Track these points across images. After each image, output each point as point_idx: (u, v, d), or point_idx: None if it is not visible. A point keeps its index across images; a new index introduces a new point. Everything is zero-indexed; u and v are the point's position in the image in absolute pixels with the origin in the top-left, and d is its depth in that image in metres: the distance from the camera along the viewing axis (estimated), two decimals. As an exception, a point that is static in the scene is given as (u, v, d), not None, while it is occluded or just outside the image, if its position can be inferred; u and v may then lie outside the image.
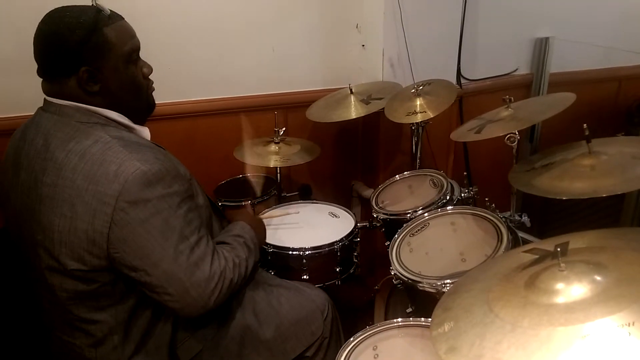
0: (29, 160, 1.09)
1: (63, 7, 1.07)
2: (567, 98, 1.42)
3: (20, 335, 1.31)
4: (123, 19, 1.12)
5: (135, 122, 1.17)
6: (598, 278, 0.75)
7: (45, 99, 1.12)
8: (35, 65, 1.09)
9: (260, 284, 1.39)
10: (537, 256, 0.87)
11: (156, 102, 1.26)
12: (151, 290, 1.05)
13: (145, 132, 1.20)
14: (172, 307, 1.06)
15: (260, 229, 1.43)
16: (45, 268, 1.07)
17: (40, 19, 1.07)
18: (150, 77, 1.21)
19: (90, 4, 1.08)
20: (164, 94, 1.88)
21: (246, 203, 1.50)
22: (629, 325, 0.65)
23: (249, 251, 1.24)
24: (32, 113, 1.16)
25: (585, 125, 1.20)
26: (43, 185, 1.05)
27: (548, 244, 0.87)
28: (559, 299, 0.74)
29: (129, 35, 1.12)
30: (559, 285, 0.76)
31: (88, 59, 1.05)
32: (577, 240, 0.87)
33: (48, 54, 1.06)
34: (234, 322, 1.27)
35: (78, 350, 1.14)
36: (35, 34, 1.06)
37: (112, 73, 1.09)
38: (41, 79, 1.11)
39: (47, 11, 1.07)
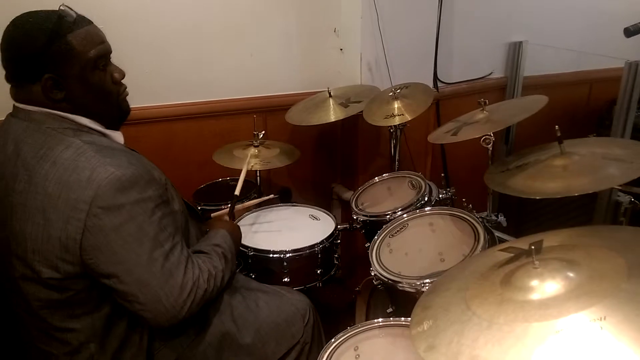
0: (0, 168, 1.07)
1: (28, 12, 1.04)
2: (540, 100, 1.45)
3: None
4: (91, 23, 1.08)
5: (107, 128, 1.15)
6: (571, 275, 0.77)
7: (14, 105, 1.09)
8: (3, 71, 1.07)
9: (237, 289, 1.38)
10: (512, 254, 0.89)
11: (133, 106, 1.23)
12: (123, 298, 1.04)
13: (118, 136, 1.17)
14: (144, 317, 1.05)
15: (237, 236, 1.42)
16: (19, 277, 1.05)
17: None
18: (126, 81, 1.18)
19: (58, 8, 1.05)
20: (141, 98, 1.86)
21: (225, 210, 1.49)
22: (600, 319, 0.67)
23: (226, 262, 1.23)
24: (1, 119, 1.14)
25: (557, 126, 1.24)
26: (14, 193, 1.02)
27: (523, 243, 0.89)
28: (534, 296, 0.76)
29: (96, 41, 1.07)
30: (534, 282, 0.77)
31: (50, 66, 1.02)
32: (551, 239, 0.89)
33: (11, 60, 1.04)
34: (211, 328, 1.26)
35: (55, 359, 1.12)
36: (1, 40, 1.04)
37: (77, 80, 1.06)
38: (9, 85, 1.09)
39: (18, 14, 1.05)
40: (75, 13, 1.05)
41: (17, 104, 1.08)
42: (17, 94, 1.08)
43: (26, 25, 1.02)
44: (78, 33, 1.04)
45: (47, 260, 1.01)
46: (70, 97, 1.06)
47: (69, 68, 1.04)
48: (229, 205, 1.56)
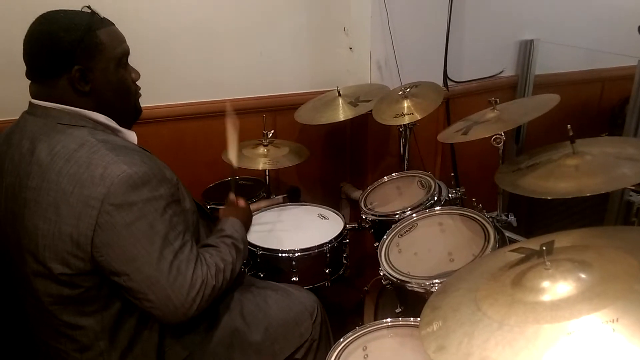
0: (14, 165, 1.08)
1: (55, 10, 1.08)
2: (551, 99, 1.44)
3: (6, 341, 1.30)
4: (114, 24, 1.13)
5: (121, 126, 1.17)
6: (583, 276, 0.76)
7: (31, 102, 1.11)
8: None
9: (247, 287, 1.39)
10: (523, 255, 0.88)
11: (143, 105, 1.25)
12: (133, 296, 1.04)
13: (132, 136, 1.19)
14: (154, 314, 1.05)
15: (247, 218, 1.41)
16: (31, 273, 1.06)
17: (31, 22, 1.07)
18: (138, 82, 1.21)
19: (81, 9, 1.10)
20: (151, 97, 1.86)
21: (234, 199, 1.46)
22: (613, 321, 0.66)
23: (237, 252, 1.23)
24: (15, 118, 1.15)
25: (569, 126, 1.22)
26: (28, 189, 1.04)
27: (534, 243, 0.88)
28: (545, 297, 0.75)
29: (120, 39, 1.13)
30: (545, 284, 0.77)
31: (81, 59, 1.05)
32: (562, 239, 0.88)
33: (41, 53, 1.05)
34: (221, 325, 1.26)
35: (64, 355, 1.13)
36: (27, 35, 1.06)
37: (103, 74, 1.10)
38: (29, 83, 1.10)
39: (35, 16, 1.07)
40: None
41: (35, 101, 1.09)
42: (38, 90, 1.09)
43: (59, 20, 1.05)
44: (105, 30, 1.09)
45: (58, 256, 1.02)
46: (95, 91, 1.09)
47: (97, 62, 1.08)
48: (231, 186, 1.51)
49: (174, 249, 1.05)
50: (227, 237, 1.25)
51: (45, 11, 1.08)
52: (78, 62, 1.05)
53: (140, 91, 1.23)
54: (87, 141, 1.04)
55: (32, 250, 1.04)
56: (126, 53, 1.15)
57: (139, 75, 1.21)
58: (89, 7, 1.11)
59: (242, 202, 1.44)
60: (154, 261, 1.02)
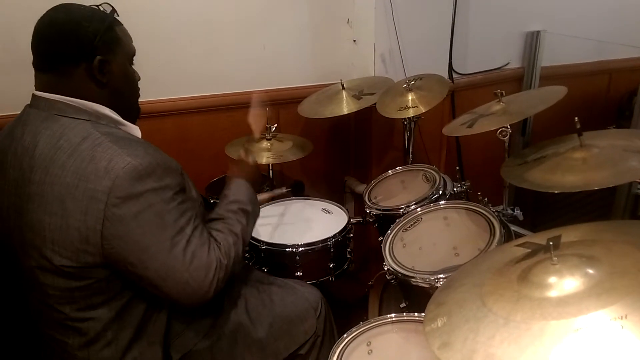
0: (17, 159, 1.07)
1: (72, 3, 1.10)
2: (558, 91, 1.42)
3: (10, 336, 1.30)
4: (123, 24, 1.16)
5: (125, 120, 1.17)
6: (590, 271, 0.75)
7: (34, 95, 1.10)
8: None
9: (252, 283, 1.39)
10: (529, 250, 0.87)
11: (146, 100, 1.28)
12: (150, 284, 1.04)
13: (136, 130, 1.19)
14: (173, 299, 1.06)
15: (253, 176, 1.40)
16: (36, 267, 1.06)
17: (32, 17, 1.06)
18: (141, 74, 1.23)
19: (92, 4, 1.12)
20: (154, 91, 1.87)
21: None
22: (621, 318, 0.65)
23: (246, 216, 1.23)
24: (17, 112, 1.14)
25: (576, 118, 1.20)
26: (31, 184, 1.03)
27: (540, 238, 0.87)
28: (552, 293, 0.74)
29: (130, 39, 1.17)
30: (552, 279, 0.76)
31: (101, 50, 1.07)
32: (569, 234, 0.87)
33: (62, 39, 1.05)
34: (226, 320, 1.26)
35: (69, 349, 1.12)
36: (43, 22, 1.06)
37: (119, 68, 1.12)
38: (34, 76, 1.10)
39: (38, 11, 1.07)
40: None
41: (39, 93, 1.09)
42: (46, 79, 1.08)
43: (81, 11, 1.07)
44: (121, 28, 1.14)
45: (65, 250, 1.02)
46: (111, 83, 1.11)
47: (114, 55, 1.11)
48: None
49: (187, 235, 1.05)
50: (232, 203, 1.25)
51: (48, 7, 1.07)
52: (99, 53, 1.07)
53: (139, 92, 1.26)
54: (90, 134, 1.04)
55: (37, 244, 1.04)
56: (135, 52, 1.18)
57: (139, 77, 1.23)
58: (108, 4, 1.13)
59: (250, 160, 1.45)
60: (166, 249, 1.02)
